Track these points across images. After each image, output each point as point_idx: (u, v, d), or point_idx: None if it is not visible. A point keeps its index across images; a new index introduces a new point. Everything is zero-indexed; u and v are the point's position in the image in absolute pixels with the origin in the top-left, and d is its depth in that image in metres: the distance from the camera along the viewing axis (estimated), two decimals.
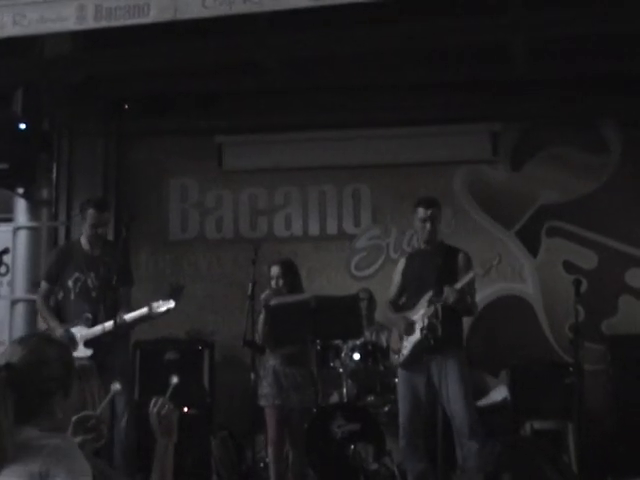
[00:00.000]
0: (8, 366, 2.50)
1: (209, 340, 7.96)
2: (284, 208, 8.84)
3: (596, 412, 7.05)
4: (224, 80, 8.06)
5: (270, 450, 6.30)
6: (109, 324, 5.67)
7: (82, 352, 5.73)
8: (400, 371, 6.03)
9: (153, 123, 8.86)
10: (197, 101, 8.68)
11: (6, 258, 7.35)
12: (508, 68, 7.67)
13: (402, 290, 6.18)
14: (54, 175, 8.45)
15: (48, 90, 7.75)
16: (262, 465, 6.83)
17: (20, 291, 7.98)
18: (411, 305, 6.00)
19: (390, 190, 8.56)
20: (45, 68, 7.41)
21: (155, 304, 5.69)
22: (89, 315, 5.81)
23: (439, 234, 6.15)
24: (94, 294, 5.77)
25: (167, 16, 5.59)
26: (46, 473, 2.35)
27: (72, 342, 5.75)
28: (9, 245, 7.68)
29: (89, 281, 5.80)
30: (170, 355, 7.46)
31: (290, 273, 6.41)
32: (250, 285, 6.17)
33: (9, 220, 8.21)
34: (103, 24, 5.71)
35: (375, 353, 7.04)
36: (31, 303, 7.74)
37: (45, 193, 8.29)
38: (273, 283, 6.36)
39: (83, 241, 6.11)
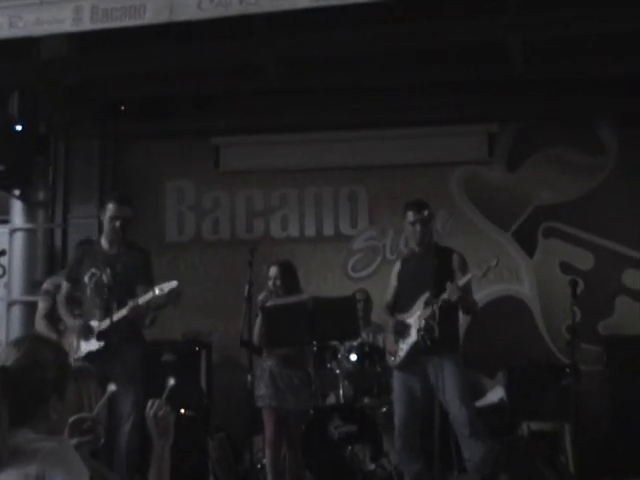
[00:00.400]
0: (2, 370, 2.49)
1: (206, 341, 7.95)
2: (280, 209, 8.85)
3: (593, 413, 7.05)
4: (220, 82, 8.06)
5: (267, 451, 6.30)
6: (122, 311, 5.63)
7: (94, 345, 5.71)
8: (396, 373, 6.02)
9: (149, 125, 8.86)
10: (193, 103, 8.69)
11: (2, 260, 7.33)
12: (504, 69, 7.67)
13: (398, 293, 6.18)
14: (50, 177, 8.46)
15: (44, 92, 7.76)
16: (259, 466, 6.82)
17: (16, 293, 7.98)
18: (407, 307, 5.99)
19: (387, 191, 8.56)
20: (41, 70, 7.41)
21: (157, 286, 5.66)
22: (102, 310, 5.75)
23: (432, 236, 6.14)
24: (108, 290, 5.73)
25: (163, 18, 5.59)
26: (42, 476, 2.33)
27: (87, 332, 5.74)
28: (5, 247, 7.66)
29: (104, 277, 5.74)
30: (167, 357, 7.44)
31: (288, 274, 6.41)
32: (247, 286, 6.16)
33: (5, 222, 8.22)
34: (99, 26, 5.70)
35: (372, 354, 7.03)
36: (27, 305, 7.76)
37: (41, 195, 8.29)
38: (271, 284, 6.36)
39: (102, 240, 6.05)
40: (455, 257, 6.02)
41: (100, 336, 5.64)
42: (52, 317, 6.65)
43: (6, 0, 5.91)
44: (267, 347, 6.30)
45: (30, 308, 7.55)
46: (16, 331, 7.67)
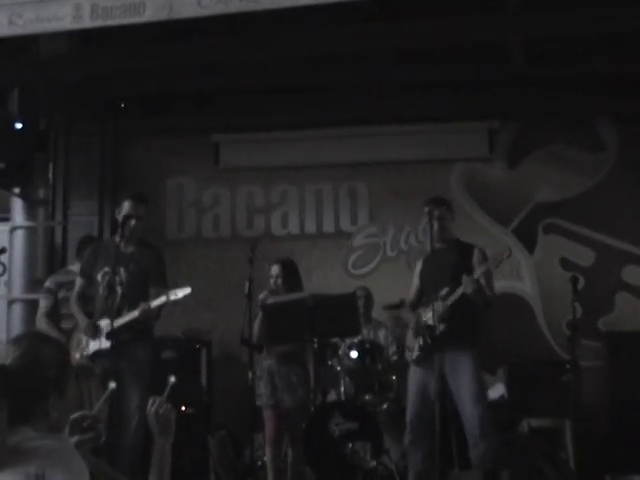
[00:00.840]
0: (2, 368, 2.48)
1: (206, 339, 7.96)
2: (281, 206, 8.85)
3: (593, 409, 7.06)
4: (220, 79, 8.06)
5: (268, 449, 6.31)
6: (134, 313, 5.62)
7: (103, 344, 5.68)
8: (412, 367, 5.95)
9: (149, 122, 8.87)
10: (193, 100, 8.69)
11: (3, 258, 7.34)
12: (505, 66, 7.67)
13: (421, 292, 6.13)
14: (51, 175, 8.43)
15: (44, 90, 7.74)
16: (260, 464, 6.83)
17: (17, 291, 7.97)
18: (428, 304, 5.88)
19: (387, 188, 8.58)
20: (41, 68, 7.41)
21: (172, 292, 5.65)
22: (114, 308, 5.73)
23: (451, 232, 6.05)
24: (121, 289, 5.71)
25: (162, 15, 5.58)
26: (42, 475, 2.33)
27: (95, 331, 5.73)
28: (6, 245, 7.67)
29: (117, 276, 5.73)
30: (167, 354, 7.44)
31: (290, 272, 6.42)
32: (247, 283, 6.16)
33: (6, 220, 8.20)
34: (99, 23, 5.70)
35: (373, 351, 7.04)
36: (28, 303, 7.74)
37: (42, 193, 8.27)
38: (272, 282, 6.36)
39: (117, 237, 6.03)
40: (476, 252, 5.95)
41: (109, 336, 5.63)
42: (53, 315, 6.65)
43: None
44: (267, 345, 6.30)
45: (31, 306, 7.55)
46: (17, 329, 7.65)
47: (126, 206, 5.90)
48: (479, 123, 8.51)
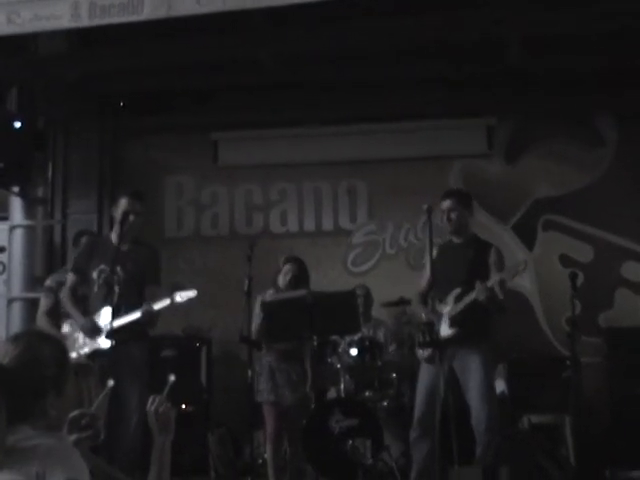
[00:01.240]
0: (0, 367, 2.48)
1: (206, 337, 7.97)
2: (280, 204, 8.85)
3: (593, 405, 7.06)
4: (219, 77, 8.05)
5: (268, 446, 6.31)
6: (136, 314, 5.61)
7: (102, 344, 5.67)
8: (423, 365, 5.88)
9: (148, 120, 8.86)
10: (192, 98, 8.67)
11: (2, 256, 7.36)
12: (503, 62, 7.67)
13: (432, 283, 5.93)
14: (49, 173, 8.46)
15: (43, 88, 7.75)
16: (260, 461, 6.84)
17: (16, 290, 7.98)
18: (439, 299, 5.80)
19: (386, 185, 8.57)
20: (40, 66, 7.41)
21: (177, 294, 5.65)
22: (111, 307, 5.71)
23: (468, 226, 5.94)
24: (117, 288, 5.68)
25: (160, 13, 5.58)
26: (42, 475, 2.33)
27: (94, 331, 5.70)
28: (5, 244, 7.68)
29: (114, 275, 5.71)
30: (167, 352, 7.45)
31: (302, 271, 6.44)
32: (246, 281, 6.16)
33: (5, 219, 8.21)
34: (97, 22, 5.70)
35: (372, 348, 7.04)
36: (27, 301, 7.75)
37: (40, 191, 8.29)
38: (282, 279, 6.36)
39: (113, 235, 5.98)
40: (493, 251, 5.87)
41: (109, 336, 5.61)
42: (54, 314, 6.64)
43: None
44: (267, 342, 6.31)
45: (30, 305, 7.56)
46: (16, 328, 7.66)
47: (123, 202, 5.87)
48: (477, 120, 8.50)
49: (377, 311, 7.81)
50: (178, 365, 7.14)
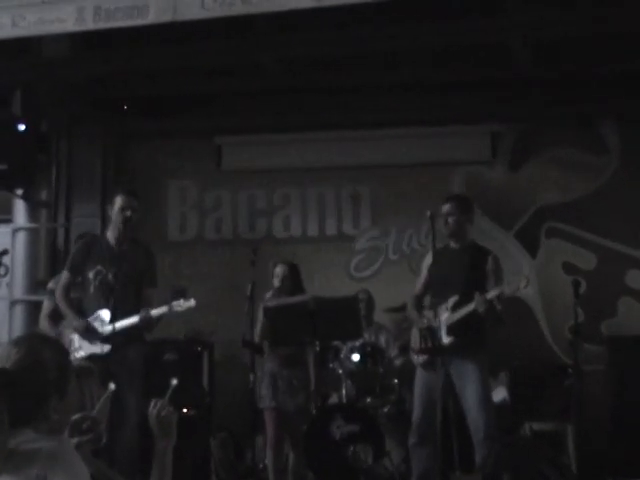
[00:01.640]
0: (2, 371, 2.47)
1: (208, 341, 7.95)
2: (283, 209, 8.84)
3: (595, 413, 7.03)
4: (223, 81, 8.06)
5: (269, 451, 6.31)
6: (134, 318, 5.60)
7: (99, 347, 5.66)
8: (419, 371, 5.88)
9: (152, 124, 8.86)
10: (196, 102, 8.67)
11: (5, 259, 7.35)
12: (507, 69, 7.66)
13: (427, 286, 5.98)
14: (53, 176, 8.46)
15: (47, 91, 7.76)
16: (261, 466, 6.83)
17: (19, 292, 7.99)
18: (435, 305, 5.76)
19: (389, 191, 8.57)
20: (44, 69, 7.41)
21: (175, 303, 5.63)
22: (108, 309, 5.69)
23: (466, 232, 5.91)
24: (113, 290, 5.65)
25: (166, 17, 5.59)
26: (44, 477, 2.32)
27: (91, 334, 5.68)
28: (8, 246, 7.68)
29: (110, 276, 5.68)
30: (169, 356, 7.45)
31: (295, 274, 6.44)
32: (249, 286, 6.16)
33: (8, 221, 8.22)
34: (102, 26, 5.71)
35: (374, 354, 7.02)
36: (30, 304, 7.76)
37: (44, 194, 8.30)
38: (277, 281, 6.36)
39: (109, 235, 5.93)
40: (490, 259, 5.84)
41: (106, 340, 5.60)
42: (56, 317, 6.64)
43: (9, 0, 5.92)
44: (269, 347, 6.30)
45: (33, 307, 7.56)
46: (19, 330, 7.67)
47: (119, 200, 5.86)
48: (482, 126, 8.50)
49: (379, 316, 7.81)
50: (180, 369, 7.12)
